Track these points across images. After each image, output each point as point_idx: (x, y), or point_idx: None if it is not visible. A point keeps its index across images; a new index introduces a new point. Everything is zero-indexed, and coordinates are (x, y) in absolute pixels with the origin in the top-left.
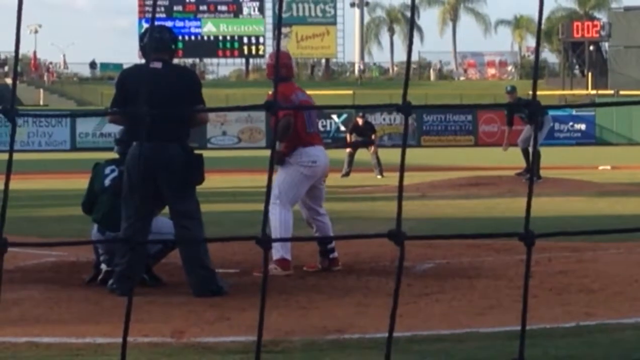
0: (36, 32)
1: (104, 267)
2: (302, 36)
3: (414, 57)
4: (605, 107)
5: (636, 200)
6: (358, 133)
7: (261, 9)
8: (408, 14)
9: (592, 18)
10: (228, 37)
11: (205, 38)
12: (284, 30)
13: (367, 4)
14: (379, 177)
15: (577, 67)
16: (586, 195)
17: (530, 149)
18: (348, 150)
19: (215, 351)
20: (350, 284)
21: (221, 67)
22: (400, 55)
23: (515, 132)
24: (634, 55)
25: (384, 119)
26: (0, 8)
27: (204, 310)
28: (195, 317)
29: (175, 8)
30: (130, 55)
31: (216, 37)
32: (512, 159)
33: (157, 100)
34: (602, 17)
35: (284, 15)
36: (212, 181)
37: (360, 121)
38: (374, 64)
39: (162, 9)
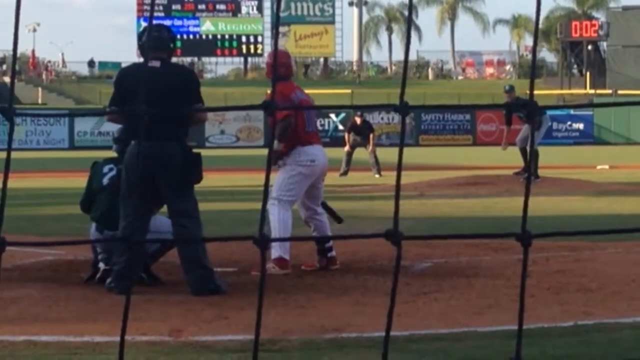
0: (35, 30)
1: (102, 265)
2: (300, 35)
3: (413, 57)
4: (603, 107)
5: (634, 199)
6: (356, 132)
7: (260, 8)
8: (406, 13)
9: (590, 17)
10: (226, 36)
11: (204, 37)
12: (283, 29)
13: (366, 3)
14: (377, 176)
15: (575, 66)
16: (584, 194)
17: (528, 149)
18: (346, 149)
19: (213, 350)
20: (348, 283)
21: (219, 66)
22: (399, 54)
23: (514, 131)
24: (632, 55)
25: (382, 118)
26: None
27: (202, 309)
28: (194, 316)
29: (173, 7)
30: (128, 53)
31: (215, 36)
32: (510, 158)
33: (156, 99)
34: (601, 16)
35: (282, 14)
36: (211, 180)
37: (358, 120)
38: (371, 63)
39: (161, 7)
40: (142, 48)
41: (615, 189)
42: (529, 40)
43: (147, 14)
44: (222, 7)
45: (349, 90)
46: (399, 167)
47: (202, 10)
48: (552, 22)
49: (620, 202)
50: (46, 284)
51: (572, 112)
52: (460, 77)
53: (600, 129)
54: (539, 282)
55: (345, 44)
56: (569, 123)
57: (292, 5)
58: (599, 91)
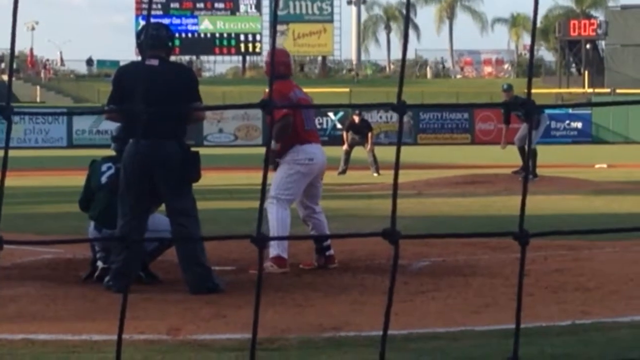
0: (33, 29)
1: (100, 264)
2: (298, 34)
3: (411, 55)
4: (601, 106)
5: (632, 198)
6: (355, 131)
7: (258, 6)
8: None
9: (589, 16)
10: (225, 35)
11: (202, 35)
12: (281, 27)
13: (365, 1)
14: (375, 175)
15: (573, 65)
16: (582, 193)
17: (526, 148)
18: (344, 148)
19: (211, 348)
20: (346, 282)
21: (218, 65)
22: (397, 53)
23: (513, 130)
24: (631, 54)
25: (380, 117)
26: None
27: (200, 307)
28: (192, 315)
29: (172, 5)
30: (127, 52)
31: (213, 35)
32: (508, 157)
33: (154, 97)
34: (599, 15)
35: (280, 13)
36: (209, 179)
37: (356, 119)
38: (368, 61)
39: (159, 5)
40: (141, 46)
41: (613, 187)
42: (527, 39)
43: (145, 13)
44: (220, 5)
45: (347, 89)
46: (397, 166)
47: (200, 9)
48: (551, 21)
49: (618, 201)
50: (44, 282)
51: (570, 111)
52: (458, 76)
53: (598, 128)
54: (537, 281)
55: (344, 43)
56: (567, 122)
57: (291, 3)
58: (597, 90)
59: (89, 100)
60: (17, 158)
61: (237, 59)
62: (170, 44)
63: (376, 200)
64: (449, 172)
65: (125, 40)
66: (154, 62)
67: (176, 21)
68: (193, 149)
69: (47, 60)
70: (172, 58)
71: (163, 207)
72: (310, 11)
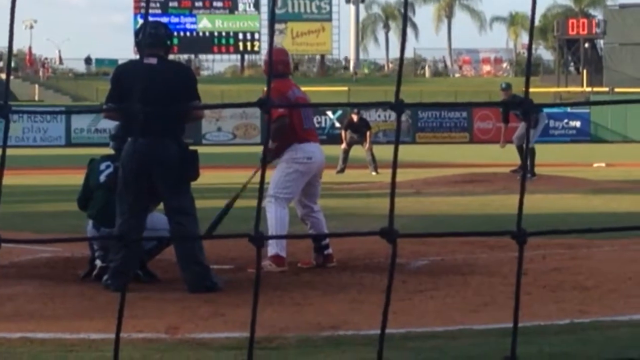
0: (31, 27)
1: (98, 263)
2: (297, 32)
3: (410, 54)
4: (600, 105)
5: (631, 197)
6: (353, 130)
7: (256, 5)
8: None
9: (587, 15)
10: (223, 33)
11: (201, 34)
12: (280, 26)
13: (363, 0)
14: (373, 173)
15: (572, 64)
16: (581, 192)
17: (524, 147)
18: (343, 146)
19: (209, 347)
20: (344, 281)
21: (216, 63)
22: (396, 52)
23: (512, 129)
24: (629, 53)
25: (378, 116)
26: None
27: (198, 306)
28: (190, 313)
29: (170, 4)
30: (125, 51)
31: (211, 33)
32: (507, 156)
33: (153, 96)
34: (598, 14)
35: (279, 12)
36: (207, 177)
37: (355, 118)
38: (365, 60)
39: (158, 4)
40: (139, 45)
41: (611, 186)
42: (525, 38)
43: (144, 11)
44: (219, 4)
45: (345, 88)
46: (394, 165)
47: (199, 7)
48: (550, 19)
49: (616, 200)
50: (42, 281)
51: (569, 110)
52: (457, 75)
53: (597, 126)
54: (535, 279)
55: (342, 42)
56: (565, 121)
57: (289, 2)
58: (595, 89)
59: (88, 99)
60: (16, 157)
61: (235, 58)
62: (168, 42)
63: (374, 199)
64: (448, 171)
65: (124, 39)
66: (153, 60)
67: (175, 20)
68: (191, 147)
69: (46, 58)
70: (171, 57)
71: (162, 205)
72: (308, 10)
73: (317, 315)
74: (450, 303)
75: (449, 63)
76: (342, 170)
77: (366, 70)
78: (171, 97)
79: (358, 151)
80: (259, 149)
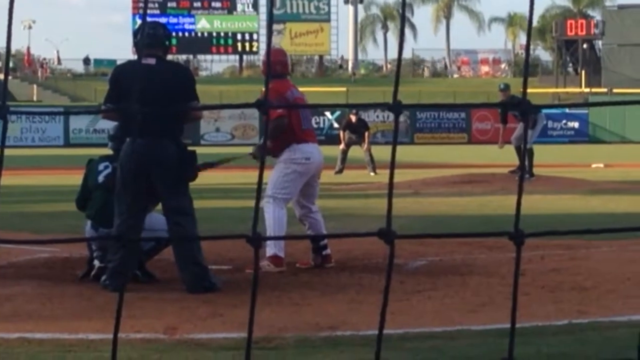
0: (30, 27)
1: (97, 263)
2: (295, 33)
3: (408, 55)
4: (598, 106)
5: (629, 198)
6: (351, 130)
7: (255, 6)
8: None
9: (586, 16)
10: (222, 34)
11: (199, 34)
12: (278, 27)
13: (362, 1)
14: (372, 174)
15: (570, 65)
16: (579, 193)
17: (522, 147)
18: (341, 147)
19: (207, 347)
20: (343, 281)
21: (215, 64)
22: (395, 53)
23: (510, 129)
24: (628, 54)
25: (377, 117)
26: None
27: (196, 306)
28: (188, 314)
29: (169, 4)
30: (124, 51)
31: (210, 34)
32: (505, 156)
33: (151, 96)
34: (596, 15)
35: (277, 12)
36: (205, 177)
37: (353, 118)
38: (362, 61)
39: (156, 5)
40: (138, 45)
41: (610, 187)
42: (524, 39)
43: (142, 12)
44: (217, 4)
45: (344, 88)
46: (392, 166)
47: (197, 8)
48: (548, 20)
49: (614, 200)
50: (41, 281)
51: (567, 110)
52: (455, 76)
53: (595, 127)
54: (533, 280)
55: (341, 42)
56: (564, 121)
57: (288, 2)
58: (594, 90)
59: (86, 99)
60: (14, 157)
61: (234, 58)
62: (167, 43)
63: (373, 200)
64: (446, 171)
65: (123, 39)
66: (151, 61)
67: (173, 20)
68: (190, 148)
69: (44, 59)
70: (169, 57)
71: (160, 206)
72: (307, 10)
73: (316, 316)
74: (449, 303)
75: (447, 63)
76: (340, 171)
77: (363, 71)
78: (170, 97)
79: (356, 152)
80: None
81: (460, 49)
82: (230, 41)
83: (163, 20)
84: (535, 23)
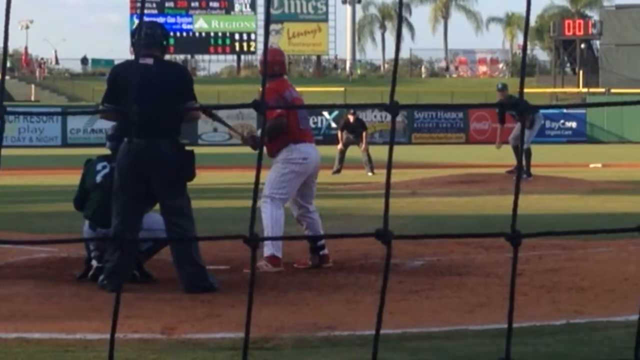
0: (27, 27)
1: (94, 263)
2: (293, 33)
3: (406, 55)
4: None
5: (627, 198)
6: (349, 130)
7: (253, 6)
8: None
9: (583, 16)
10: (220, 34)
11: (197, 34)
12: (276, 26)
13: (359, 1)
14: (369, 174)
15: (568, 65)
16: (577, 193)
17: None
18: (339, 147)
19: (205, 347)
20: (340, 281)
21: (212, 64)
22: (392, 53)
23: (508, 129)
24: (625, 54)
25: (375, 116)
26: None
27: (194, 306)
28: (186, 314)
29: (167, 4)
30: (122, 51)
31: (208, 34)
32: (503, 156)
33: (149, 96)
34: (594, 15)
35: (275, 12)
36: (203, 178)
37: (351, 118)
38: (359, 61)
39: (154, 5)
40: (135, 45)
41: (607, 187)
42: (522, 39)
43: (140, 11)
44: (215, 4)
45: (342, 88)
46: (389, 167)
47: (195, 8)
48: (546, 20)
49: (612, 200)
50: (38, 281)
51: (565, 110)
52: (453, 75)
53: (593, 127)
54: (531, 280)
55: (339, 42)
56: (562, 121)
57: (286, 2)
58: (591, 90)
59: (84, 99)
60: (12, 157)
61: (231, 58)
62: (165, 42)
63: (370, 200)
64: (444, 171)
65: (120, 39)
66: (149, 61)
67: (171, 20)
68: (187, 147)
69: (42, 59)
70: (167, 57)
71: (158, 206)
72: (305, 10)
73: (313, 316)
74: (447, 303)
75: (443, 64)
76: (338, 171)
77: (359, 71)
78: (167, 97)
79: (354, 152)
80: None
81: (458, 49)
82: (227, 41)
83: (161, 20)
84: (533, 23)
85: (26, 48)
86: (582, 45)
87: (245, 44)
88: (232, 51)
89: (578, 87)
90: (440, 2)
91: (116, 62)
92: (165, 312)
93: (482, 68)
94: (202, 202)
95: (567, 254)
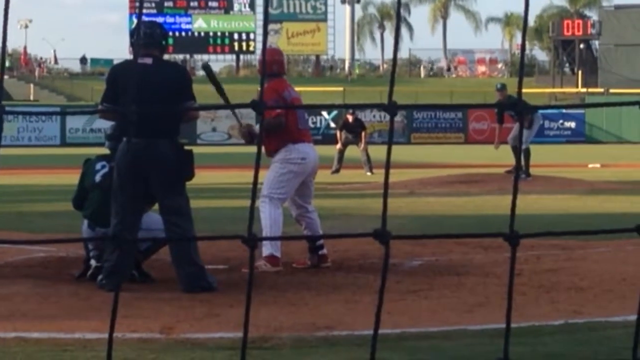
0: (26, 27)
1: (93, 262)
2: (292, 33)
3: (405, 55)
4: (595, 107)
5: (625, 198)
6: (348, 130)
7: (252, 5)
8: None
9: (582, 16)
10: (219, 33)
11: (196, 34)
12: (275, 26)
13: (359, 1)
14: (368, 174)
15: (567, 65)
16: (576, 193)
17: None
18: (338, 147)
19: (204, 347)
20: (339, 281)
21: (212, 63)
22: (391, 52)
23: (506, 129)
24: (624, 54)
25: (374, 116)
26: None
27: (193, 306)
28: (185, 313)
29: (166, 4)
30: (121, 51)
31: (207, 33)
32: (501, 156)
33: (148, 96)
34: (593, 15)
35: (274, 12)
36: (202, 177)
37: (350, 118)
38: (358, 61)
39: (153, 4)
40: (134, 45)
41: (606, 187)
42: (521, 39)
43: (139, 11)
44: (214, 4)
45: (340, 88)
46: (387, 167)
47: (194, 7)
48: (545, 20)
49: (611, 200)
50: (37, 280)
51: (563, 110)
52: (452, 75)
53: (591, 127)
54: (530, 280)
55: (338, 42)
56: (560, 122)
57: (285, 2)
58: (590, 90)
59: (83, 99)
60: (11, 156)
61: (230, 58)
62: (164, 42)
63: (369, 199)
64: (442, 171)
65: (119, 38)
66: (148, 60)
67: (170, 20)
68: (186, 147)
69: (41, 58)
70: (166, 57)
71: (157, 206)
72: (304, 10)
73: (312, 316)
74: (445, 303)
75: (443, 64)
76: (337, 171)
77: (357, 71)
78: (166, 97)
79: (353, 151)
80: (254, 149)
81: (457, 48)
82: (227, 41)
83: (160, 19)
84: (532, 23)
85: (25, 47)
86: (581, 46)
87: (244, 44)
88: (231, 51)
89: (577, 87)
90: (439, 2)
91: (115, 62)
92: (164, 311)
93: (481, 68)
94: (200, 201)
95: (566, 254)
